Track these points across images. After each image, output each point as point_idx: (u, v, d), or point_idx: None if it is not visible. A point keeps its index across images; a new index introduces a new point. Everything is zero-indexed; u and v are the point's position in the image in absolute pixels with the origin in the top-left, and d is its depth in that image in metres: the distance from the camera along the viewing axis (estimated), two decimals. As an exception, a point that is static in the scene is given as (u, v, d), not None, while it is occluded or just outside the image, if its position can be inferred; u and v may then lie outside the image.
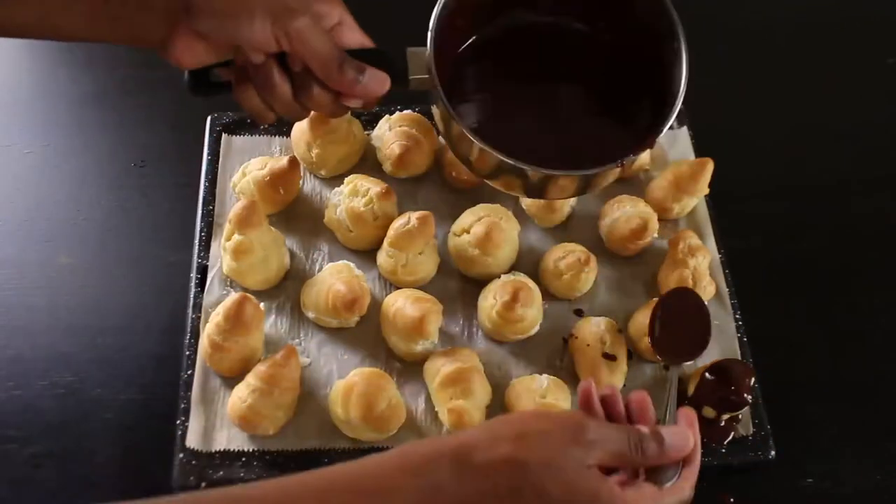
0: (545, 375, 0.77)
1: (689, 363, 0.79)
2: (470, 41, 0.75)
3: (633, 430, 0.56)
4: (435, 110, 0.72)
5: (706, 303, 0.80)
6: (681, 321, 0.77)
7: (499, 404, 0.77)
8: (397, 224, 0.82)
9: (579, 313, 0.84)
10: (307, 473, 0.52)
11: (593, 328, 0.79)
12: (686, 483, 0.57)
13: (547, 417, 0.55)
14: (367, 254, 0.86)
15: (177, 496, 0.52)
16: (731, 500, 0.75)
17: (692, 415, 0.60)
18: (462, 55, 0.75)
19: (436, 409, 0.77)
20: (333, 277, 0.80)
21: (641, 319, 0.79)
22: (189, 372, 0.78)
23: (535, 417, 0.56)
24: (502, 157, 0.67)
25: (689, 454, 0.58)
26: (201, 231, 0.87)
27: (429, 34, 0.67)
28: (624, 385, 0.78)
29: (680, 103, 0.71)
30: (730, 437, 0.76)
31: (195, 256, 0.85)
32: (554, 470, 0.51)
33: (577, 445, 0.52)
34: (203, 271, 0.84)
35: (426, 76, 0.66)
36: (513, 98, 0.75)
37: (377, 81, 0.64)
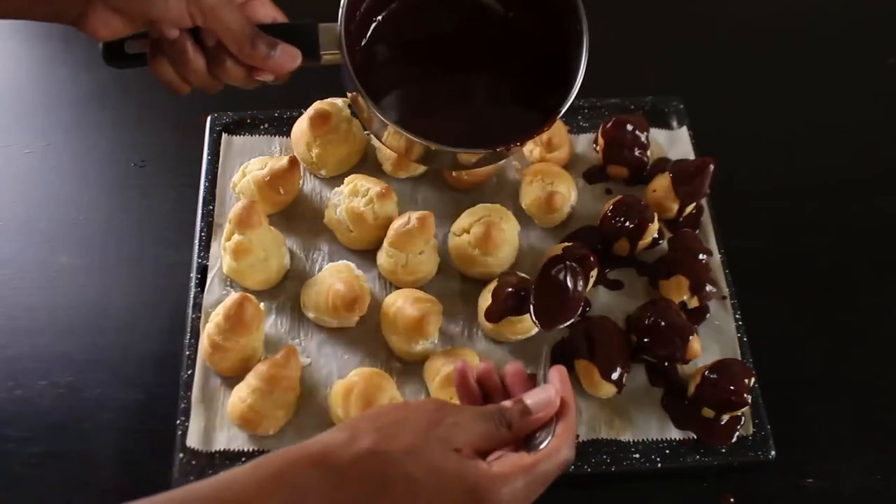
0: None
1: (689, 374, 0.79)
2: (381, 16, 0.76)
3: (491, 406, 0.56)
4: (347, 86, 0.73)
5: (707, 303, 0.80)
6: (556, 289, 0.75)
7: (499, 404, 0.77)
8: (397, 224, 0.82)
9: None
10: (175, 490, 0.50)
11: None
12: (561, 441, 0.56)
13: (404, 407, 0.55)
14: (367, 254, 0.86)
15: None
16: (732, 499, 0.75)
17: (563, 370, 0.60)
18: (374, 31, 0.75)
19: (436, 409, 0.77)
20: (333, 277, 0.80)
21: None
22: (189, 372, 0.78)
23: (393, 408, 0.55)
24: (407, 134, 0.69)
25: (561, 411, 0.57)
26: (201, 231, 0.87)
27: (340, 10, 0.67)
28: (618, 392, 0.78)
29: (578, 86, 0.72)
30: (732, 438, 0.76)
31: (195, 256, 0.85)
32: (417, 456, 0.50)
33: (438, 429, 0.52)
34: (203, 271, 0.84)
35: (336, 52, 0.67)
36: (421, 75, 0.76)
37: (288, 56, 0.65)
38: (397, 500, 0.50)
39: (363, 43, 0.74)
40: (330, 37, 0.67)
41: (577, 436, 0.76)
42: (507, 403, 0.56)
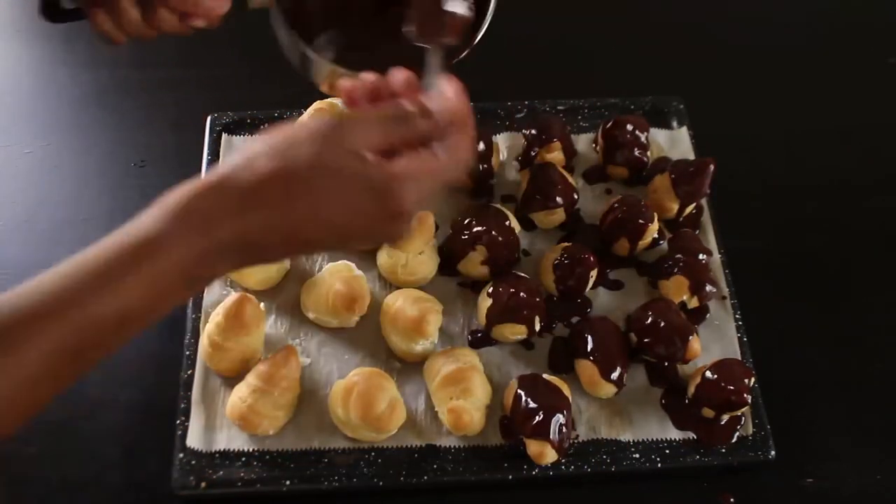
0: None
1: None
2: None
3: (388, 103, 0.54)
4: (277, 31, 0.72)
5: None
6: None
7: (499, 404, 0.77)
8: (397, 224, 0.82)
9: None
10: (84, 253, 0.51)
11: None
12: (462, 141, 0.54)
13: (299, 126, 0.52)
14: (367, 254, 0.86)
15: None
16: (732, 499, 0.75)
17: (458, 84, 0.56)
18: None
19: (436, 408, 0.77)
20: (333, 277, 0.80)
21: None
22: (189, 372, 0.78)
23: (289, 128, 0.52)
24: (334, 66, 0.68)
25: (459, 114, 0.54)
26: (201, 231, 0.87)
27: None
28: (618, 391, 0.78)
29: (489, 17, 0.70)
30: (732, 438, 0.76)
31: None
32: (318, 165, 0.49)
33: (336, 136, 0.50)
34: (203, 271, 0.84)
35: None
36: (348, 14, 0.76)
37: (217, 0, 0.68)
38: (304, 211, 0.49)
39: None
40: None
41: (577, 435, 0.76)
42: (403, 101, 0.53)
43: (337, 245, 0.54)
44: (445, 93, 0.55)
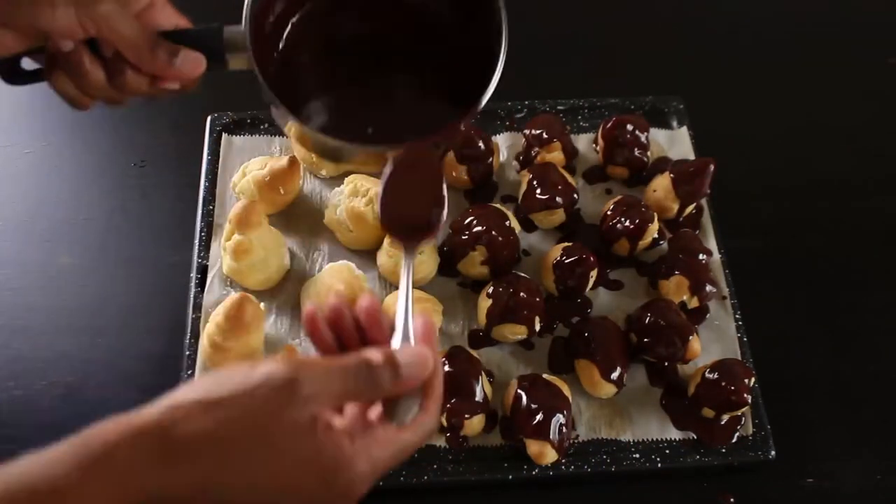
0: None
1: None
2: (295, 19, 0.70)
3: (359, 363, 0.48)
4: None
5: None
6: (414, 193, 0.64)
7: (499, 404, 0.77)
8: (397, 224, 0.82)
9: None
10: None
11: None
12: (429, 417, 0.50)
13: (250, 372, 0.46)
14: (367, 254, 0.86)
15: None
16: (732, 499, 0.75)
17: (431, 326, 0.53)
18: (289, 34, 0.70)
19: (436, 409, 0.77)
20: (333, 278, 0.80)
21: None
22: (189, 372, 0.78)
23: (239, 374, 0.46)
24: (320, 135, 0.64)
25: (429, 379, 0.51)
26: (201, 231, 0.87)
27: (244, 10, 0.63)
28: (618, 392, 0.78)
29: (495, 82, 0.66)
30: (732, 438, 0.76)
31: (195, 256, 0.85)
32: (263, 431, 0.44)
33: (291, 406, 0.45)
34: (203, 271, 0.84)
35: (243, 55, 0.63)
36: (336, 74, 0.72)
37: (191, 63, 0.63)
38: (235, 479, 0.44)
39: (280, 47, 0.69)
40: (236, 40, 0.63)
41: (577, 435, 0.76)
42: (374, 357, 0.48)
43: None
44: (417, 339, 0.52)
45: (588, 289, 0.84)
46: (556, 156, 0.91)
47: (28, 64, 0.64)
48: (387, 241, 0.83)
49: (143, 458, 0.43)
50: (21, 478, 0.43)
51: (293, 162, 0.86)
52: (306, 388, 0.45)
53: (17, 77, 0.65)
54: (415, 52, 0.72)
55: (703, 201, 0.90)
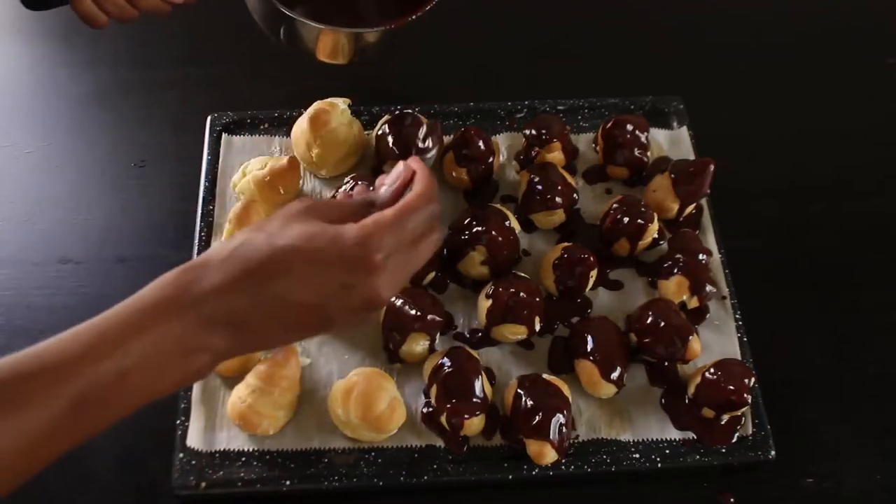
0: None
1: (688, 366, 0.79)
2: None
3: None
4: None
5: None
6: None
7: (499, 404, 0.77)
8: (397, 224, 0.82)
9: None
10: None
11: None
12: (420, 192, 0.57)
13: (275, 215, 0.56)
14: (367, 254, 0.86)
15: None
16: (732, 499, 0.75)
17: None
18: None
19: (436, 409, 0.77)
20: (333, 277, 0.80)
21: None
22: (189, 372, 0.78)
23: (265, 220, 0.56)
24: (311, 22, 0.73)
25: (415, 174, 0.59)
26: (201, 231, 0.87)
27: None
28: (618, 392, 0.78)
29: None
30: (732, 438, 0.76)
31: (195, 256, 0.85)
32: (295, 250, 0.52)
33: (310, 209, 0.55)
34: (203, 271, 0.84)
35: None
36: None
37: None
38: (280, 291, 0.51)
39: None
40: None
41: (577, 435, 0.76)
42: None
43: (322, 324, 0.54)
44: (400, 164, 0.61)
45: (588, 289, 0.84)
46: (556, 156, 0.91)
47: None
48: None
49: (205, 284, 0.51)
50: (109, 310, 0.51)
51: (293, 162, 0.86)
52: (322, 203, 0.57)
53: (39, 2, 0.68)
54: None
55: (703, 201, 0.90)
